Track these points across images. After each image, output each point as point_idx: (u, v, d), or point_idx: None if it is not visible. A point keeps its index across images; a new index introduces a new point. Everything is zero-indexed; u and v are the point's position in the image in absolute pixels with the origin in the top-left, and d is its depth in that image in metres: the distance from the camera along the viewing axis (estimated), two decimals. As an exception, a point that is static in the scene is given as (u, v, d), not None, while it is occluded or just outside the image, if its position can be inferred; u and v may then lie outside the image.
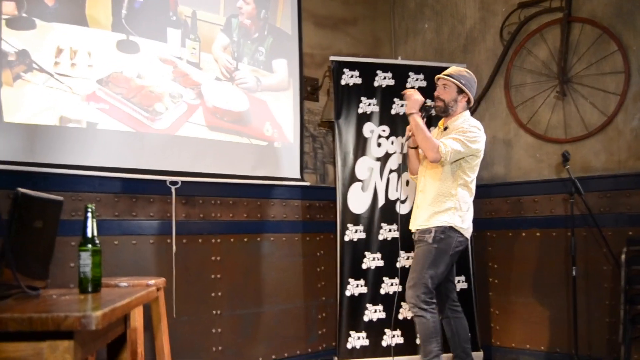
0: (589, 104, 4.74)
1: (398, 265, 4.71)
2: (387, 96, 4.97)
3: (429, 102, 3.89)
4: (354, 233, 4.77)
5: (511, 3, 5.22)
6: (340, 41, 5.49)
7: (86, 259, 2.25)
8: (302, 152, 4.97)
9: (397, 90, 4.82)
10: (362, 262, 4.77)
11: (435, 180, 3.73)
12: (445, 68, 5.15)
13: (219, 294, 4.42)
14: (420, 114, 3.76)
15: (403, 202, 4.81)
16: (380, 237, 4.82)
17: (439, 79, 3.87)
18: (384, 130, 4.93)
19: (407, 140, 3.96)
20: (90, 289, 2.25)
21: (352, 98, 4.91)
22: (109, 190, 3.95)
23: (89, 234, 2.26)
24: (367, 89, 4.95)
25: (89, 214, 2.28)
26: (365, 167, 4.86)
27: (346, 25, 5.56)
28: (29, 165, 3.56)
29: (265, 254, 4.72)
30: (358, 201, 4.82)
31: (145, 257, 4.08)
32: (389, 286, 4.75)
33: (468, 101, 3.83)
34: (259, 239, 4.69)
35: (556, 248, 4.78)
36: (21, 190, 1.93)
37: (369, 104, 4.93)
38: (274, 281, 4.74)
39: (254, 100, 4.68)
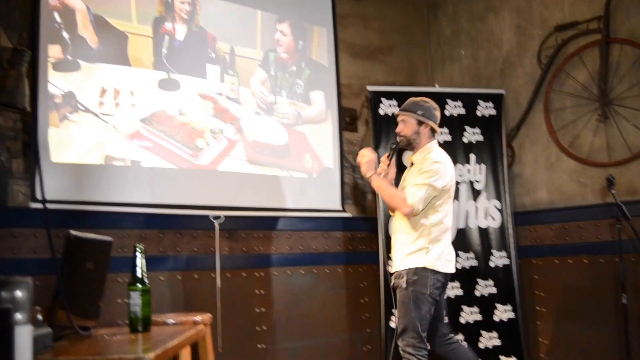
0: (631, 125, 4.65)
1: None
2: (426, 124, 4.93)
3: (393, 143, 3.76)
4: (397, 263, 4.71)
5: (548, 26, 5.17)
6: (377, 70, 5.50)
7: (136, 299, 2.26)
8: (342, 183, 4.95)
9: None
10: (405, 292, 4.70)
11: (404, 220, 3.57)
12: (483, 94, 5.15)
13: (264, 327, 4.39)
14: (377, 173, 3.63)
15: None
16: (423, 267, 4.75)
17: (397, 115, 3.78)
18: (423, 159, 4.89)
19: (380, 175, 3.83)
20: (140, 328, 2.26)
21: (391, 127, 4.88)
22: (154, 226, 3.99)
23: (139, 274, 2.27)
24: (405, 117, 4.92)
25: (138, 254, 2.29)
26: (406, 196, 4.81)
27: (382, 54, 5.58)
28: (77, 204, 3.62)
29: (308, 286, 4.69)
30: (400, 231, 4.76)
31: (191, 292, 4.09)
32: (434, 316, 4.67)
33: (432, 130, 3.68)
34: (302, 271, 4.67)
35: (605, 275, 4.65)
36: (73, 232, 1.95)
37: (408, 133, 4.90)
38: (318, 314, 4.70)
39: (293, 132, 4.70)
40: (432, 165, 3.49)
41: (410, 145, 3.68)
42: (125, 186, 3.83)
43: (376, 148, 4.84)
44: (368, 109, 5.08)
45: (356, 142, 5.24)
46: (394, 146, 3.73)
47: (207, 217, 4.16)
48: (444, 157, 3.60)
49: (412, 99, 3.77)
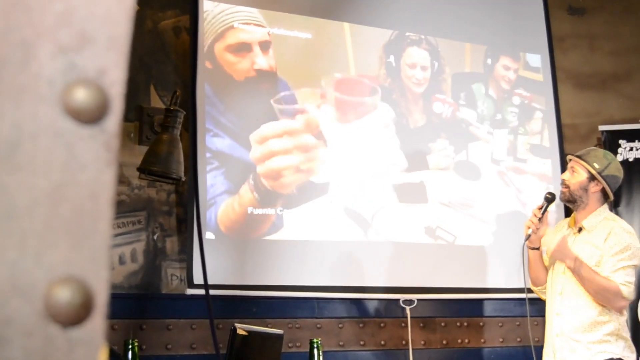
0: None
1: None
2: (684, 171, 4.64)
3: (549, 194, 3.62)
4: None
5: None
6: (610, 104, 5.27)
7: (314, 407, 2.27)
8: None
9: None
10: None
11: (586, 297, 3.36)
12: None
13: None
14: (527, 235, 3.51)
15: None
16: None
17: (570, 159, 3.56)
18: (684, 218, 4.58)
19: (526, 239, 3.59)
20: None
21: (634, 177, 4.65)
22: (331, 314, 4.04)
23: (316, 375, 2.29)
24: (654, 163, 4.68)
25: (316, 351, 2.31)
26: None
27: (618, 83, 5.34)
28: (239, 289, 3.77)
29: (532, 391, 4.49)
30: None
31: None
32: None
33: (604, 194, 3.47)
34: (521, 370, 4.49)
35: None
36: (239, 326, 2.01)
37: (660, 184, 4.65)
38: None
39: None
40: (627, 237, 3.40)
41: (572, 202, 3.53)
42: (295, 265, 3.94)
43: (616, 205, 4.61)
44: (601, 155, 4.86)
45: (587, 198, 5.02)
46: (549, 197, 3.56)
47: (396, 301, 4.15)
48: (631, 228, 3.51)
49: (594, 148, 3.72)
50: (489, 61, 4.81)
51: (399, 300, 4.16)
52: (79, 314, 0.46)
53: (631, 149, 4.71)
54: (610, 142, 4.72)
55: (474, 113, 4.67)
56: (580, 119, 5.15)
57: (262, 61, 4.09)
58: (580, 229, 3.51)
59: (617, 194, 4.64)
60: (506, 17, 4.91)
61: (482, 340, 4.44)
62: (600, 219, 3.48)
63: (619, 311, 3.37)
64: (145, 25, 4.02)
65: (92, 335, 0.46)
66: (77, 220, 0.47)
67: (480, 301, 4.47)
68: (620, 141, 4.72)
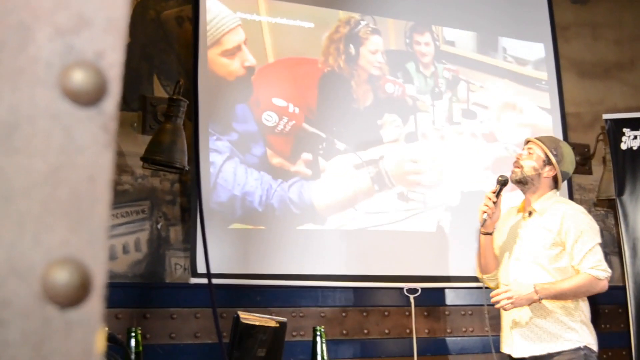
0: None
1: None
2: (688, 160, 4.63)
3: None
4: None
5: None
6: (614, 92, 5.26)
7: (317, 395, 2.27)
8: (574, 243, 4.75)
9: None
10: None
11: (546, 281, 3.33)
12: None
13: None
14: (485, 227, 3.46)
15: None
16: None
17: (527, 141, 3.54)
18: (687, 207, 4.58)
19: (483, 224, 3.54)
20: None
21: (638, 166, 4.63)
22: (335, 303, 4.05)
23: (320, 363, 2.30)
24: (658, 152, 4.66)
25: (319, 338, 2.32)
26: (666, 258, 4.52)
27: (621, 72, 5.33)
28: (243, 278, 3.78)
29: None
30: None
31: (382, 386, 4.09)
32: None
33: (555, 181, 3.46)
34: (525, 359, 4.49)
35: None
36: (242, 314, 2.02)
37: (664, 173, 4.64)
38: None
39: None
40: (581, 217, 3.39)
41: (522, 183, 3.48)
42: (299, 254, 3.94)
43: (620, 194, 4.60)
44: (605, 144, 4.85)
45: (590, 187, 5.01)
46: (502, 179, 3.53)
47: (400, 290, 4.15)
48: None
49: (554, 137, 3.74)
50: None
51: (402, 288, 4.16)
52: (76, 295, 0.46)
53: (635, 138, 4.69)
54: (614, 130, 4.70)
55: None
56: (583, 108, 5.14)
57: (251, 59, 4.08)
58: (530, 213, 3.48)
59: (621, 183, 4.64)
60: (509, 6, 4.90)
61: (486, 329, 4.44)
62: (551, 202, 3.45)
63: (599, 292, 3.34)
64: (148, 15, 4.01)
65: (90, 316, 0.46)
66: (75, 202, 0.47)
67: (484, 289, 4.46)
68: (624, 129, 4.70)
